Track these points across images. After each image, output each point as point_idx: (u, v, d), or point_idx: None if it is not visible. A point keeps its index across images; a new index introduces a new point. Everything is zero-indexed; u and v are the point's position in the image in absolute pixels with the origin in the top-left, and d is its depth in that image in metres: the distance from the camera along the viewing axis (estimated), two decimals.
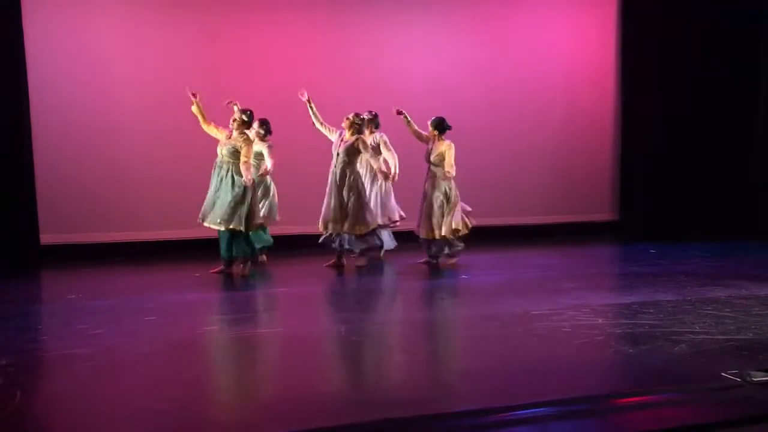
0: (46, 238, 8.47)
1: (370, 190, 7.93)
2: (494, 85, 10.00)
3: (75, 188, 8.55)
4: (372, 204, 7.79)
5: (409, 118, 7.79)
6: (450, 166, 7.63)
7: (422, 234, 7.77)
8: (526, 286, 6.81)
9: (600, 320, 5.47)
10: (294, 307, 6.56)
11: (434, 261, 7.87)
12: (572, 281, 6.93)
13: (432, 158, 7.72)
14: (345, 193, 7.52)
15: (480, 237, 9.75)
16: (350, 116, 7.56)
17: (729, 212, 10.28)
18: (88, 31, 8.60)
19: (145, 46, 8.78)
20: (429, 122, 7.76)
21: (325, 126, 7.79)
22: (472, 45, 9.95)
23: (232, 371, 4.74)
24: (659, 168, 10.44)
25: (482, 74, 9.97)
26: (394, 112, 7.80)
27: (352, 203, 7.51)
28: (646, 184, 10.44)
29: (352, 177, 7.53)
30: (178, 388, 4.27)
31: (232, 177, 7.09)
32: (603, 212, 10.67)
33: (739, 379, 3.96)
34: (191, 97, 7.16)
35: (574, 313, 5.60)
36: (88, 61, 8.60)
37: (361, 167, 7.71)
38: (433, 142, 7.74)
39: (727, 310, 5.65)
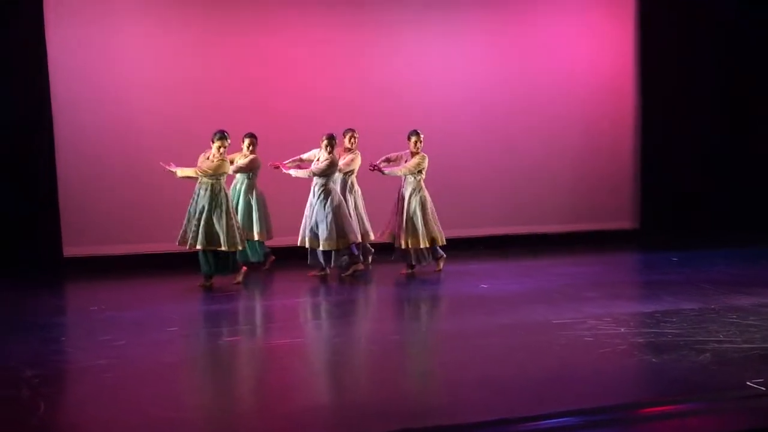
0: (69, 250, 8.57)
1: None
2: (512, 92, 9.99)
3: (97, 201, 8.64)
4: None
5: (386, 171, 7.84)
6: (409, 168, 7.72)
7: (402, 243, 7.82)
8: (547, 295, 6.77)
9: (622, 329, 5.42)
10: (312, 317, 6.58)
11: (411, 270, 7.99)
12: (594, 290, 6.88)
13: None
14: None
15: (500, 246, 9.76)
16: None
17: (753, 220, 10.17)
18: (110, 47, 8.71)
19: (165, 58, 8.87)
20: (411, 134, 7.82)
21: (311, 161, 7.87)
22: (489, 52, 9.94)
23: (253, 381, 4.75)
24: (681, 175, 10.35)
25: (500, 82, 9.95)
26: (369, 168, 7.88)
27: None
28: (667, 192, 10.35)
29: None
30: (201, 399, 4.29)
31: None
32: (624, 220, 10.59)
33: (764, 389, 3.91)
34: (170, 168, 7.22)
35: (596, 322, 5.55)
36: (109, 74, 8.70)
37: (335, 184, 7.78)
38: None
39: (752, 318, 5.58)
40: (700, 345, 4.84)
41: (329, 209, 7.58)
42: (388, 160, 8.03)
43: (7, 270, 8.07)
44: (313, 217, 7.66)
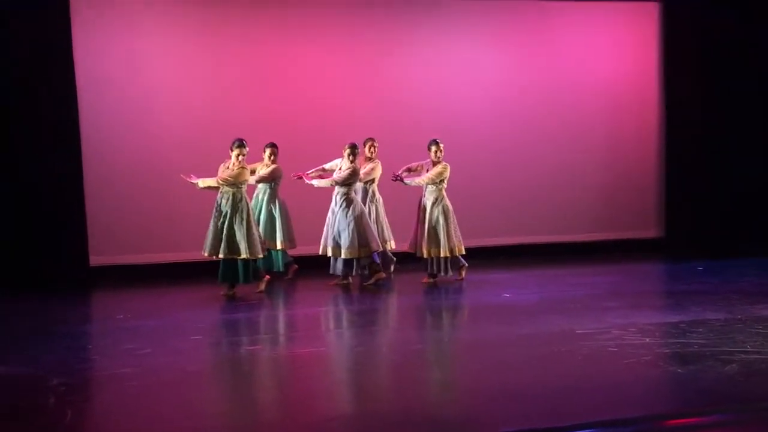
0: (95, 259, 8.68)
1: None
2: (534, 101, 9.95)
3: (123, 211, 8.74)
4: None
5: (407, 181, 7.86)
6: (431, 178, 7.72)
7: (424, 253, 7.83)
8: (570, 304, 6.72)
9: (647, 339, 5.38)
10: (335, 326, 6.60)
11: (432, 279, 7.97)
12: (618, 300, 6.82)
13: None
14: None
15: (522, 255, 9.72)
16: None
17: None
18: (136, 56, 8.82)
19: (191, 69, 8.97)
20: (431, 144, 7.79)
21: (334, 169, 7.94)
22: (511, 61, 9.92)
23: (276, 390, 4.77)
24: (706, 182, 10.24)
25: (523, 92, 9.92)
26: (391, 179, 7.93)
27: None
28: (692, 200, 10.24)
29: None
30: (225, 408, 4.32)
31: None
32: (649, 229, 10.49)
33: None
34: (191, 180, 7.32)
35: (620, 332, 5.51)
36: (136, 85, 8.81)
37: (356, 193, 7.85)
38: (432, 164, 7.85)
39: None
40: (726, 356, 4.79)
41: (351, 218, 7.61)
42: (409, 170, 8.05)
43: (35, 279, 8.19)
44: (335, 226, 7.69)
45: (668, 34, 10.30)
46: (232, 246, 7.23)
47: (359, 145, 7.92)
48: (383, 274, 7.94)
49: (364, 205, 7.93)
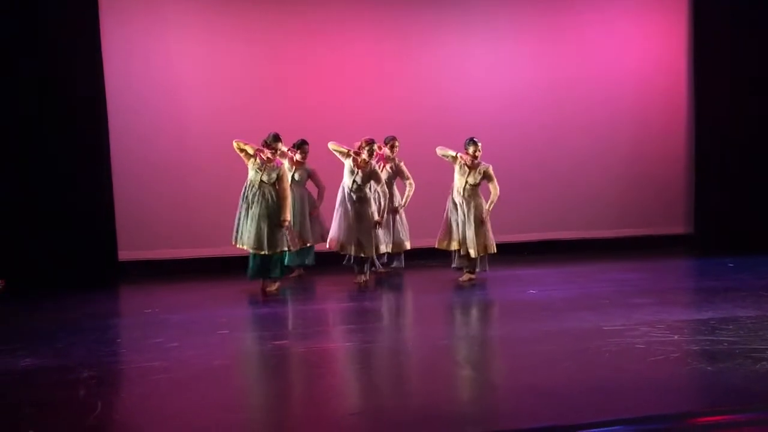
0: (123, 254, 8.79)
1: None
2: (560, 95, 9.89)
3: (152, 207, 8.85)
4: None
5: (488, 213, 7.75)
6: (497, 193, 7.69)
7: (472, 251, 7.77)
8: (597, 301, 6.67)
9: (676, 336, 5.32)
10: (360, 321, 6.60)
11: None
12: (646, 296, 6.76)
13: (477, 178, 7.70)
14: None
15: (549, 251, 9.66)
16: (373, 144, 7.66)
17: None
18: (164, 57, 8.93)
19: (217, 69, 9.05)
20: (469, 143, 7.68)
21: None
22: (540, 55, 9.87)
23: (304, 385, 4.80)
24: (737, 178, 10.10)
25: (550, 85, 9.87)
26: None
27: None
28: (722, 195, 10.11)
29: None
30: (251, 401, 4.36)
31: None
32: (678, 225, 10.38)
33: None
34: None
35: (648, 329, 5.46)
36: (164, 82, 8.92)
37: (370, 191, 7.74)
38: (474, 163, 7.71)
39: None
40: (757, 353, 4.72)
41: (366, 215, 7.58)
42: (455, 159, 7.76)
43: (65, 273, 8.33)
44: (356, 223, 7.66)
45: (698, 27, 10.17)
46: (277, 240, 7.26)
47: (379, 142, 7.87)
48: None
49: (390, 203, 7.91)
